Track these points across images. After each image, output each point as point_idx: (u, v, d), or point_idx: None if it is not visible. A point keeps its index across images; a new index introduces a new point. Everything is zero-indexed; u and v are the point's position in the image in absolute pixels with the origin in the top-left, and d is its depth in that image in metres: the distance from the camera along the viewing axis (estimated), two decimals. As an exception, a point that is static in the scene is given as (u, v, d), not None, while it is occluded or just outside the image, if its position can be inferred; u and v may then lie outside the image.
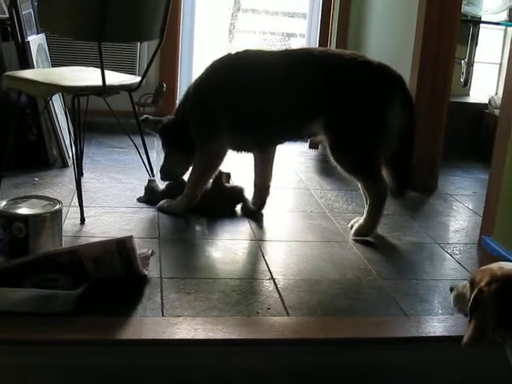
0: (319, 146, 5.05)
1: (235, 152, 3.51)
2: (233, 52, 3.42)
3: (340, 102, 3.18)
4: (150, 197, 3.58)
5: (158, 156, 4.50)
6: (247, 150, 3.54)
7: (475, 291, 1.86)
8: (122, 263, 2.53)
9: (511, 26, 5.73)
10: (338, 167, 3.26)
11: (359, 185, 3.36)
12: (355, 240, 3.29)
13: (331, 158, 3.26)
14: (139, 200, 3.61)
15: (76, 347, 2.24)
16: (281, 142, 3.61)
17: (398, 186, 3.31)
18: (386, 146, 3.21)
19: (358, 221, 3.43)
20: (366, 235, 3.31)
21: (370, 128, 3.18)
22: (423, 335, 2.47)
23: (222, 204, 3.53)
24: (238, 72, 3.33)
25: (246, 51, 3.44)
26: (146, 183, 3.66)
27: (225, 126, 3.34)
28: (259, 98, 3.27)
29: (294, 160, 4.77)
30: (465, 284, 2.02)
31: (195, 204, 3.48)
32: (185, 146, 3.47)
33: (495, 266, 1.91)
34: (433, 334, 2.47)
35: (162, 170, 3.63)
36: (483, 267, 1.95)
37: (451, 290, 2.13)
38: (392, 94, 3.18)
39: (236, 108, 3.30)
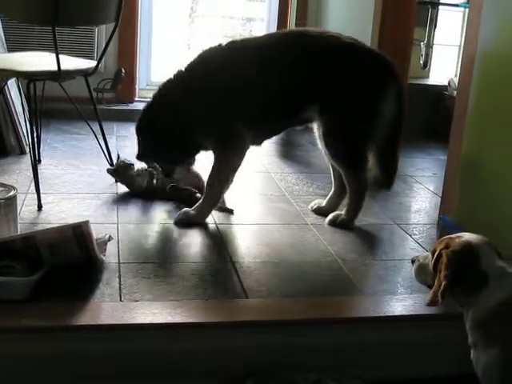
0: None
1: None
2: (223, 43, 3.23)
3: (337, 88, 3.11)
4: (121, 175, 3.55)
5: (116, 142, 4.48)
6: (256, 142, 3.35)
7: (436, 254, 2.00)
8: (79, 248, 2.50)
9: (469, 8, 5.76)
10: (327, 154, 3.21)
11: (343, 176, 3.27)
12: (315, 221, 3.31)
13: (322, 145, 3.20)
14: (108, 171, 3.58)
15: (32, 334, 2.21)
16: (281, 130, 3.54)
17: (385, 176, 3.29)
18: (377, 135, 3.17)
19: (320, 204, 3.44)
20: (346, 227, 3.25)
21: (365, 115, 3.13)
22: (382, 315, 2.48)
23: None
24: (234, 63, 3.17)
25: (234, 41, 3.31)
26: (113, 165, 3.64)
27: (240, 123, 3.17)
28: (259, 88, 3.13)
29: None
30: (426, 255, 2.14)
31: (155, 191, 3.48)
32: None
33: (456, 235, 2.04)
34: (391, 314, 2.49)
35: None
36: (444, 237, 2.07)
37: (412, 262, 2.20)
38: (388, 82, 3.13)
39: (236, 103, 3.14)
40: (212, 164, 3.23)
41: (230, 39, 3.33)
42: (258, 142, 3.38)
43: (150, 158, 3.38)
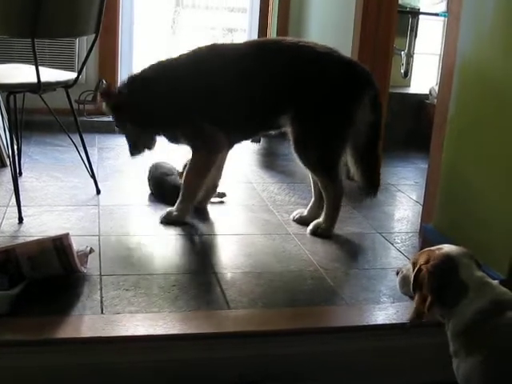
0: (261, 140, 5.03)
1: None
2: (201, 46, 3.30)
3: (309, 96, 3.13)
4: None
5: (98, 154, 4.47)
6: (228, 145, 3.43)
7: (415, 269, 1.99)
8: (59, 261, 2.49)
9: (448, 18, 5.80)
10: (299, 161, 3.23)
11: (318, 183, 3.31)
12: (296, 231, 3.31)
13: (293, 151, 3.22)
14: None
15: (14, 348, 2.20)
16: (254, 134, 3.65)
17: (369, 185, 3.29)
18: (354, 144, 3.19)
19: (302, 213, 3.45)
20: (326, 236, 3.25)
21: (338, 123, 3.14)
22: (365, 324, 2.49)
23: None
24: (211, 66, 3.23)
25: (214, 45, 3.34)
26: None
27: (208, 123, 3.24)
28: (234, 91, 3.19)
29: (236, 154, 4.74)
30: (409, 267, 2.10)
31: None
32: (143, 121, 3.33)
33: (436, 247, 2.02)
34: (374, 323, 2.50)
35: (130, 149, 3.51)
36: (425, 249, 2.06)
37: (397, 273, 2.19)
38: (362, 91, 3.14)
39: (212, 104, 3.20)
40: (188, 163, 3.35)
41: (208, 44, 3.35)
42: (230, 145, 3.44)
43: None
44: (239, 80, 3.19)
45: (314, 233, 3.27)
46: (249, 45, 3.47)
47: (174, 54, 3.33)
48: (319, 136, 3.17)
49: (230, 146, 3.45)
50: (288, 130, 3.23)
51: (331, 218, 3.28)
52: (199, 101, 3.20)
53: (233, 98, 3.20)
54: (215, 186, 3.61)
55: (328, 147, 3.18)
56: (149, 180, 3.74)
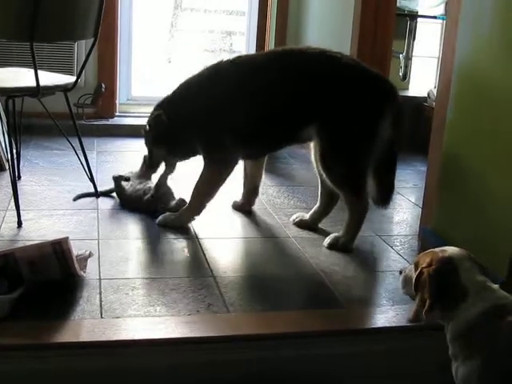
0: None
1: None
2: (225, 59, 3.31)
3: (337, 109, 3.07)
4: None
5: (97, 157, 4.46)
6: (252, 157, 3.48)
7: (417, 272, 1.99)
8: (59, 265, 2.48)
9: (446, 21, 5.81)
10: (326, 177, 3.16)
11: (343, 199, 3.24)
12: (296, 234, 3.31)
13: (319, 166, 3.16)
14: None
15: (13, 352, 2.19)
16: (278, 148, 3.60)
17: (382, 196, 3.23)
18: (375, 157, 3.13)
19: (303, 217, 3.45)
20: (343, 249, 3.15)
21: (363, 139, 3.08)
22: (363, 327, 2.49)
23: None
24: (236, 80, 3.22)
25: (238, 57, 3.35)
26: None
27: (230, 138, 3.22)
28: (255, 106, 3.17)
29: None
30: (411, 267, 2.12)
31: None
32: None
33: (439, 249, 2.03)
34: (373, 326, 2.51)
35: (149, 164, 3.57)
36: (429, 250, 2.06)
37: (400, 273, 2.21)
38: (387, 106, 3.10)
39: (239, 118, 3.19)
40: (200, 174, 3.31)
41: (236, 55, 3.39)
42: (254, 157, 3.47)
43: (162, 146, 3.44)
44: (262, 92, 3.16)
45: (333, 246, 3.17)
46: (272, 55, 3.45)
47: (197, 70, 3.34)
48: (346, 152, 3.10)
49: (256, 157, 3.48)
50: (313, 144, 3.19)
51: (353, 232, 3.20)
52: (224, 115, 3.19)
53: (258, 110, 3.18)
54: (256, 187, 3.63)
55: (355, 163, 3.12)
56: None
